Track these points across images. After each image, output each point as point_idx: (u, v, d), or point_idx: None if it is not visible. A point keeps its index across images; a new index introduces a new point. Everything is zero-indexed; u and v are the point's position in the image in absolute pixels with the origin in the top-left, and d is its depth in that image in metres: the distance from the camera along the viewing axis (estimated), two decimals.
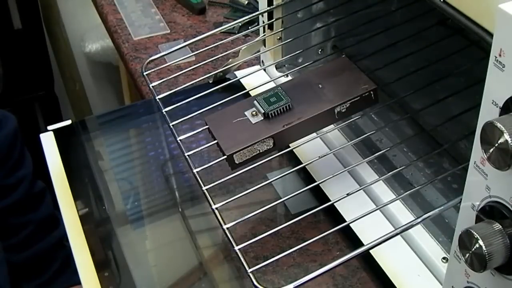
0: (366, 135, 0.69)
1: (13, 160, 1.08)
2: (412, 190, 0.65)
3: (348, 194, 0.63)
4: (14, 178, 1.09)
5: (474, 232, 0.43)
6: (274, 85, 0.70)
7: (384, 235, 0.57)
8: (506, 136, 0.39)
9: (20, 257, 1.12)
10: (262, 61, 0.91)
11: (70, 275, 1.15)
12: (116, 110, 1.28)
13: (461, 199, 0.49)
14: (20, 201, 1.10)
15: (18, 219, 1.11)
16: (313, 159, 0.66)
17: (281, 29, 0.83)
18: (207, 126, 0.67)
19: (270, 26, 0.84)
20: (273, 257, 0.57)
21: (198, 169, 0.63)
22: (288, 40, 0.82)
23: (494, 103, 0.42)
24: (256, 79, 0.83)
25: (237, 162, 0.64)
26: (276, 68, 0.89)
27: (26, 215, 1.12)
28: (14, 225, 1.11)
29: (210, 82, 0.89)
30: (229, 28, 0.84)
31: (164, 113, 0.70)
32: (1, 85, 1.65)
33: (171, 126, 0.69)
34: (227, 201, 0.61)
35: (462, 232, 0.45)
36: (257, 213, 0.60)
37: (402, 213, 0.68)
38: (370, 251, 0.60)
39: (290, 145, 0.69)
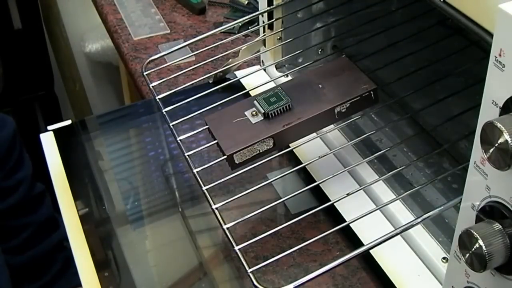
0: (366, 135, 0.69)
1: (12, 162, 1.08)
2: (412, 190, 0.65)
3: (348, 194, 0.63)
4: (13, 180, 1.09)
5: (474, 232, 0.43)
6: (274, 85, 0.70)
7: (384, 235, 0.57)
8: (506, 136, 0.39)
9: (20, 259, 1.12)
10: (262, 61, 0.91)
11: (70, 277, 1.15)
12: (116, 110, 1.28)
13: (461, 199, 0.49)
14: (20, 203, 1.10)
15: (18, 221, 1.11)
16: (313, 159, 0.66)
17: (281, 29, 0.83)
18: (207, 126, 0.67)
19: (270, 26, 0.84)
20: (273, 257, 0.57)
21: (198, 169, 0.63)
22: (288, 40, 0.82)
23: (494, 103, 0.42)
24: (256, 79, 0.83)
25: (237, 162, 0.64)
26: (276, 68, 0.89)
27: (26, 217, 1.12)
28: (14, 227, 1.11)
29: (210, 82, 0.89)
30: (229, 28, 0.84)
31: (164, 113, 0.70)
32: (1, 85, 1.65)
33: (171, 126, 0.69)
34: (227, 201, 0.61)
35: (462, 232, 0.44)
36: (257, 213, 0.60)
37: (402, 213, 0.68)
38: (370, 251, 0.60)
39: (290, 145, 0.69)
